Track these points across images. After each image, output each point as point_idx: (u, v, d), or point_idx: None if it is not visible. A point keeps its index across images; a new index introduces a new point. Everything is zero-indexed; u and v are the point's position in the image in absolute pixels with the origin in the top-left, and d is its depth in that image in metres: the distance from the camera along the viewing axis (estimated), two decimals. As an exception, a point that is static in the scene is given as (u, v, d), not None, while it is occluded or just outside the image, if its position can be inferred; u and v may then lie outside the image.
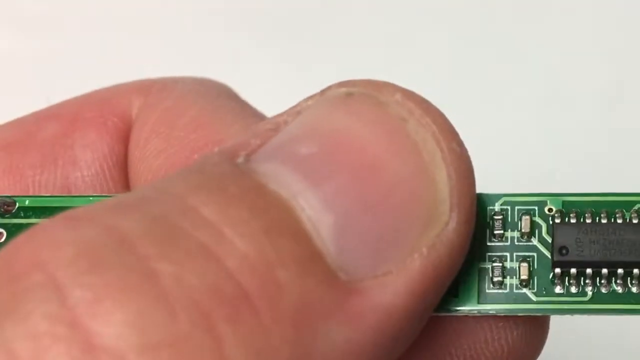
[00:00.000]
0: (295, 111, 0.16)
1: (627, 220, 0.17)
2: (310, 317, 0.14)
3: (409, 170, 0.15)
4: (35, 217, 0.19)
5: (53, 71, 0.40)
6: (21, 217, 0.19)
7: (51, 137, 0.22)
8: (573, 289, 0.17)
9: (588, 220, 0.17)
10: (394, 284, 0.15)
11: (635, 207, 0.17)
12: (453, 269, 0.16)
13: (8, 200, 0.19)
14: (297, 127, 0.16)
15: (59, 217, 0.15)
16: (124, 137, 0.22)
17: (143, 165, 0.22)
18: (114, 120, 0.22)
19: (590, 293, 0.17)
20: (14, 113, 0.25)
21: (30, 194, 0.22)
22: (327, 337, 0.14)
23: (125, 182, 0.22)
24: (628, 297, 0.17)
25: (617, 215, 0.17)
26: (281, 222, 0.15)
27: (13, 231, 0.19)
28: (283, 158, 0.15)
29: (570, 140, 0.42)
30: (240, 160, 0.15)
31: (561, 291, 0.17)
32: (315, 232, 0.15)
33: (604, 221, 0.17)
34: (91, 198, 0.19)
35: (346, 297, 0.14)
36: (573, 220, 0.17)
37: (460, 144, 0.16)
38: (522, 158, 0.42)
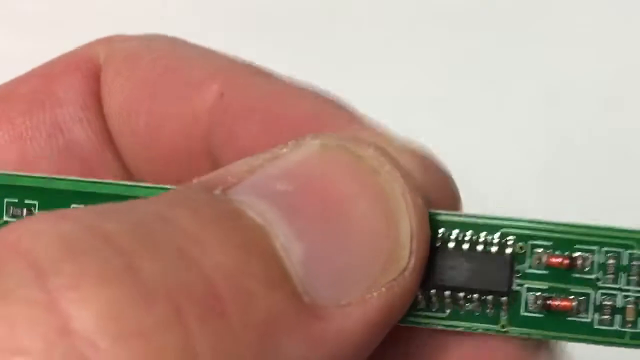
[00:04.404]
0: (270, 157, 0.18)
1: (486, 248, 0.18)
2: (275, 330, 0.15)
3: (375, 214, 0.17)
4: None
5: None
6: None
7: (33, 88, 0.24)
8: (434, 307, 0.19)
9: (450, 245, 0.18)
10: (353, 315, 0.16)
11: (498, 233, 0.19)
12: (404, 307, 0.18)
13: None
14: (273, 169, 0.17)
15: (43, 213, 0.16)
16: (97, 77, 0.24)
17: (111, 100, 0.24)
18: (86, 65, 0.24)
19: (448, 311, 0.19)
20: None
21: (24, 139, 0.23)
22: (287, 353, 0.15)
23: (102, 116, 0.24)
24: (483, 318, 0.19)
25: (479, 241, 0.18)
26: (255, 242, 0.16)
27: None
28: (259, 192, 0.17)
29: (569, 141, 0.42)
30: (217, 192, 0.17)
31: (423, 307, 0.19)
32: (286, 256, 0.16)
33: (465, 246, 0.18)
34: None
35: (309, 319, 0.16)
36: (438, 244, 0.18)
37: (423, 200, 0.18)
38: (520, 157, 0.42)
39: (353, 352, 0.17)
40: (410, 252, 0.17)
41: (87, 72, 0.24)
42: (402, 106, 0.43)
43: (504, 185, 0.41)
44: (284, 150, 0.18)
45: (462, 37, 0.44)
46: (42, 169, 0.23)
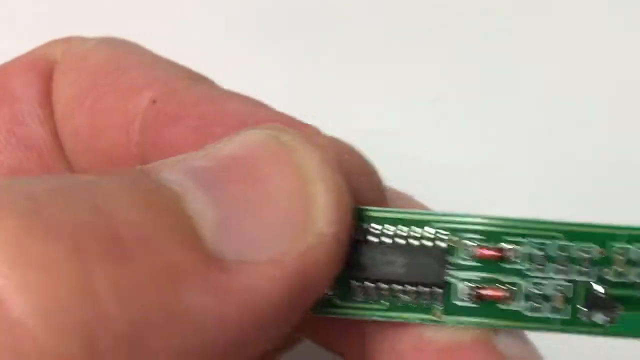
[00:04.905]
0: (202, 151, 0.18)
1: (420, 242, 0.19)
2: (177, 277, 0.16)
3: (290, 186, 0.18)
4: None
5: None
6: None
7: None
8: (372, 300, 0.20)
9: (386, 240, 0.19)
10: (263, 272, 0.17)
11: (432, 228, 0.19)
12: (324, 276, 0.18)
13: None
14: (199, 154, 0.18)
15: None
16: (51, 76, 0.25)
17: (59, 99, 0.24)
18: (42, 64, 0.25)
19: (386, 303, 0.20)
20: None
21: None
22: (190, 300, 0.16)
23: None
24: (419, 309, 0.20)
25: (413, 235, 0.19)
26: (167, 204, 0.17)
27: None
28: (179, 169, 0.18)
29: (569, 141, 0.42)
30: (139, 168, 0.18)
31: (361, 299, 0.20)
32: (196, 215, 0.17)
33: (400, 241, 0.19)
34: None
35: (210, 270, 0.16)
36: (374, 239, 0.19)
37: (342, 178, 0.18)
38: (519, 157, 0.42)
39: (270, 312, 0.17)
40: (330, 222, 0.18)
41: (44, 70, 0.25)
42: (401, 106, 0.43)
43: (502, 185, 0.41)
44: (217, 145, 0.19)
45: (462, 37, 0.44)
46: (0, 162, 0.24)
